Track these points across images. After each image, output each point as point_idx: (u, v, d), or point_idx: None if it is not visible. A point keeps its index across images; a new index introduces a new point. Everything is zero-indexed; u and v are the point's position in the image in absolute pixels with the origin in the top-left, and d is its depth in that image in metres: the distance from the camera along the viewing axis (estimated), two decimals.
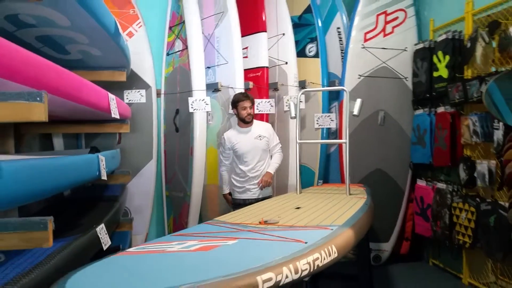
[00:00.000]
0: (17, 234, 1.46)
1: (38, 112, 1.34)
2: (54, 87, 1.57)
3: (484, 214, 3.46)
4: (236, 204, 3.82)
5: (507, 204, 3.18)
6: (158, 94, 4.70)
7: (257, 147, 3.83)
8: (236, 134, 3.87)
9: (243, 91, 4.12)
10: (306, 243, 1.59)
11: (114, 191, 3.72)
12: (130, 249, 1.60)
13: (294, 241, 1.62)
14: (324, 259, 1.55)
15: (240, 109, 3.79)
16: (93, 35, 2.20)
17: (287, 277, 1.30)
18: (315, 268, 1.48)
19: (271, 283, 1.22)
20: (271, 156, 3.95)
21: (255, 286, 1.17)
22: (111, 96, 2.55)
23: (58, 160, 1.82)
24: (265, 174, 3.83)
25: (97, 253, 2.31)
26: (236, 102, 3.82)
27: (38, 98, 1.34)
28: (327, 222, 2.08)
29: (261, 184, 3.80)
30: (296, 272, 1.35)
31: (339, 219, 2.14)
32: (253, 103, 3.91)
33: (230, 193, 3.99)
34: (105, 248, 2.40)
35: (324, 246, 1.60)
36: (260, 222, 2.08)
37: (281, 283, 1.28)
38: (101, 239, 2.34)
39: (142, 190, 4.45)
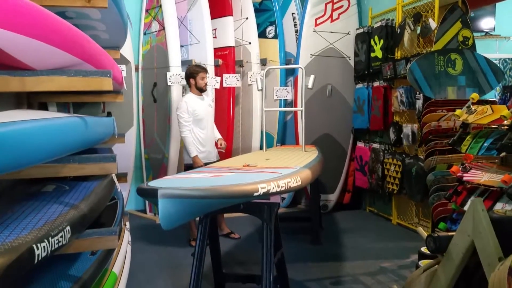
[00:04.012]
0: (96, 164, 2.12)
1: (107, 84, 1.97)
2: (108, 67, 2.20)
3: (408, 166, 4.41)
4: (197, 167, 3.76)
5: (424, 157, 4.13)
6: (136, 69, 5.26)
7: (210, 113, 4.23)
8: (194, 100, 4.09)
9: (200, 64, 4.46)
10: (281, 174, 2.37)
11: (105, 152, 4.30)
12: (162, 178, 2.28)
13: (273, 173, 2.40)
14: (293, 183, 2.33)
15: (199, 79, 4.07)
16: (112, 24, 2.77)
17: (273, 188, 2.08)
18: (289, 187, 2.26)
19: (264, 190, 1.99)
20: None
21: (257, 190, 1.95)
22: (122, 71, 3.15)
23: (98, 119, 2.46)
24: (220, 138, 4.27)
25: None
26: (196, 73, 4.07)
27: (107, 75, 1.97)
28: (292, 165, 2.87)
29: (222, 144, 4.21)
30: (278, 187, 2.12)
31: (300, 164, 2.94)
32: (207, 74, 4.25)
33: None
34: (119, 190, 3.08)
35: (292, 176, 2.38)
36: (243, 166, 2.84)
37: (269, 192, 2.06)
38: (116, 183, 3.02)
39: (124, 153, 4.94)
